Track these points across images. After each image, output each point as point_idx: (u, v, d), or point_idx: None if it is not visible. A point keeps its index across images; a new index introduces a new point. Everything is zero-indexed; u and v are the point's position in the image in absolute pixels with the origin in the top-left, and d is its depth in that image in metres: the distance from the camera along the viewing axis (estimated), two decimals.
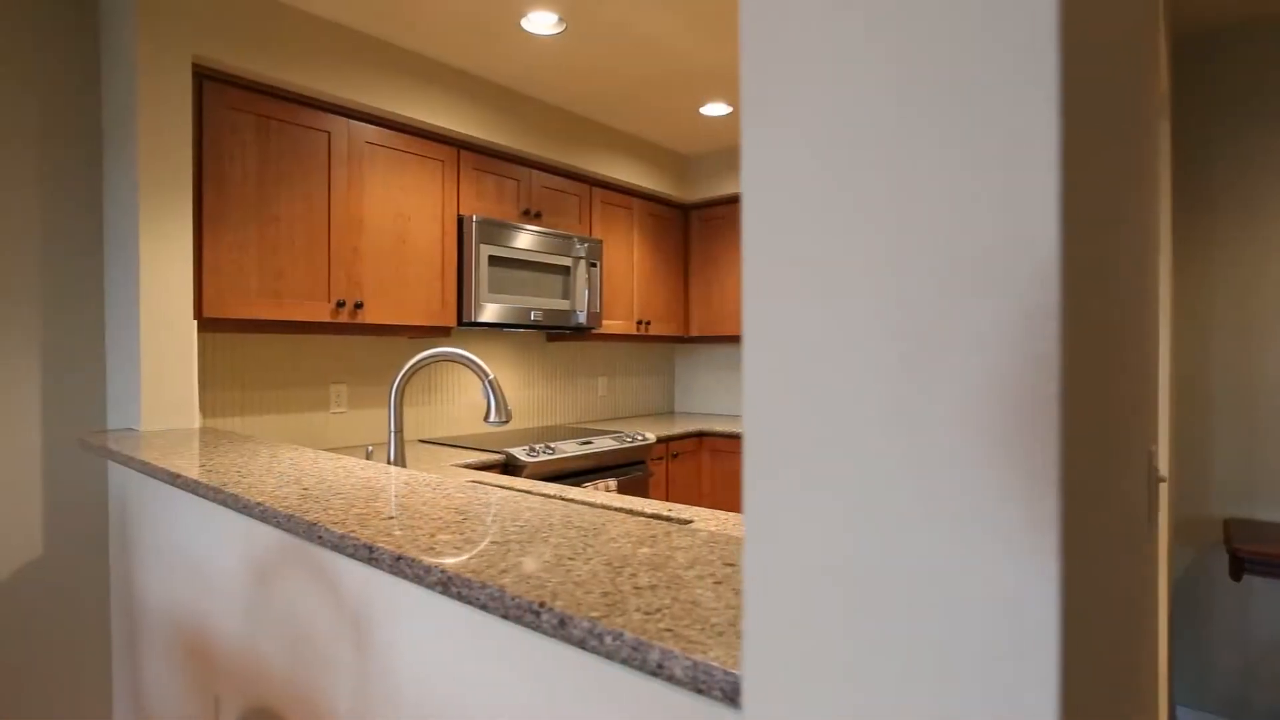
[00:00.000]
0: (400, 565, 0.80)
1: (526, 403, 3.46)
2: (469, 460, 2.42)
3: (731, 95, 3.05)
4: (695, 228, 4.00)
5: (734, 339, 3.86)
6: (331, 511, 1.01)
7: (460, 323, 2.81)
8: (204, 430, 2.04)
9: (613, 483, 2.88)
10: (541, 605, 0.65)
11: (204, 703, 1.64)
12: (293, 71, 2.27)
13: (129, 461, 1.51)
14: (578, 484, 2.75)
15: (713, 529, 1.06)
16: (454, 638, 0.91)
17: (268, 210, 2.26)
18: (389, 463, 1.52)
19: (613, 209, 3.53)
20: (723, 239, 3.88)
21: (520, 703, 0.83)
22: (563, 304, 3.11)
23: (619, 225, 3.57)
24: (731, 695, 0.52)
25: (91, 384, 2.17)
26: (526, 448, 2.61)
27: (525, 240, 2.94)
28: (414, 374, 1.48)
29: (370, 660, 1.08)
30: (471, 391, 3.22)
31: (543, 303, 3.01)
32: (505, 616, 0.68)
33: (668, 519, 1.23)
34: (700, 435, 3.52)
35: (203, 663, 1.63)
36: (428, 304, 2.71)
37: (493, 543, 0.85)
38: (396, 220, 2.60)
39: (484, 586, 0.70)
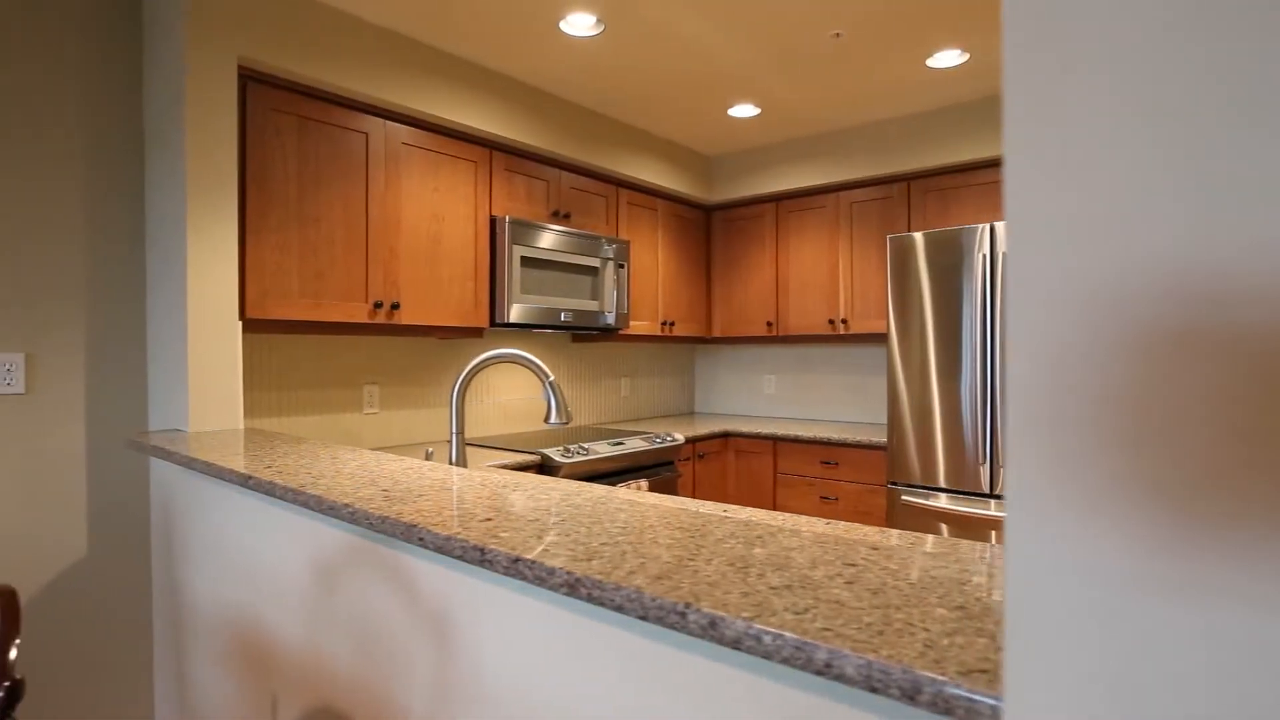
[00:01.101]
0: (519, 567, 0.80)
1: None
2: (504, 461, 2.42)
3: (759, 96, 3.05)
4: (717, 229, 4.00)
5: (755, 339, 3.87)
6: (424, 513, 1.02)
7: (492, 323, 2.81)
8: (251, 431, 2.04)
9: (644, 483, 2.88)
10: (688, 605, 0.66)
11: (260, 703, 1.64)
12: (334, 72, 2.27)
13: (190, 463, 1.51)
14: (611, 485, 2.75)
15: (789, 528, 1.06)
16: (553, 639, 0.91)
17: (308, 211, 2.26)
18: (450, 463, 1.52)
19: (638, 210, 3.54)
20: (745, 240, 3.89)
21: (629, 705, 0.83)
22: (591, 305, 3.11)
23: (644, 226, 3.58)
24: (911, 694, 0.53)
25: (133, 385, 2.17)
26: (561, 449, 2.61)
27: (555, 241, 2.94)
28: (475, 375, 1.48)
29: (451, 661, 1.08)
30: (500, 393, 3.22)
31: (572, 303, 3.02)
32: (644, 618, 0.69)
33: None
34: (725, 436, 3.53)
35: (259, 663, 1.63)
36: (461, 304, 2.71)
37: (603, 544, 0.85)
38: (431, 221, 2.61)
39: (619, 588, 0.71)
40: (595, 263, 3.13)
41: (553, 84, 2.91)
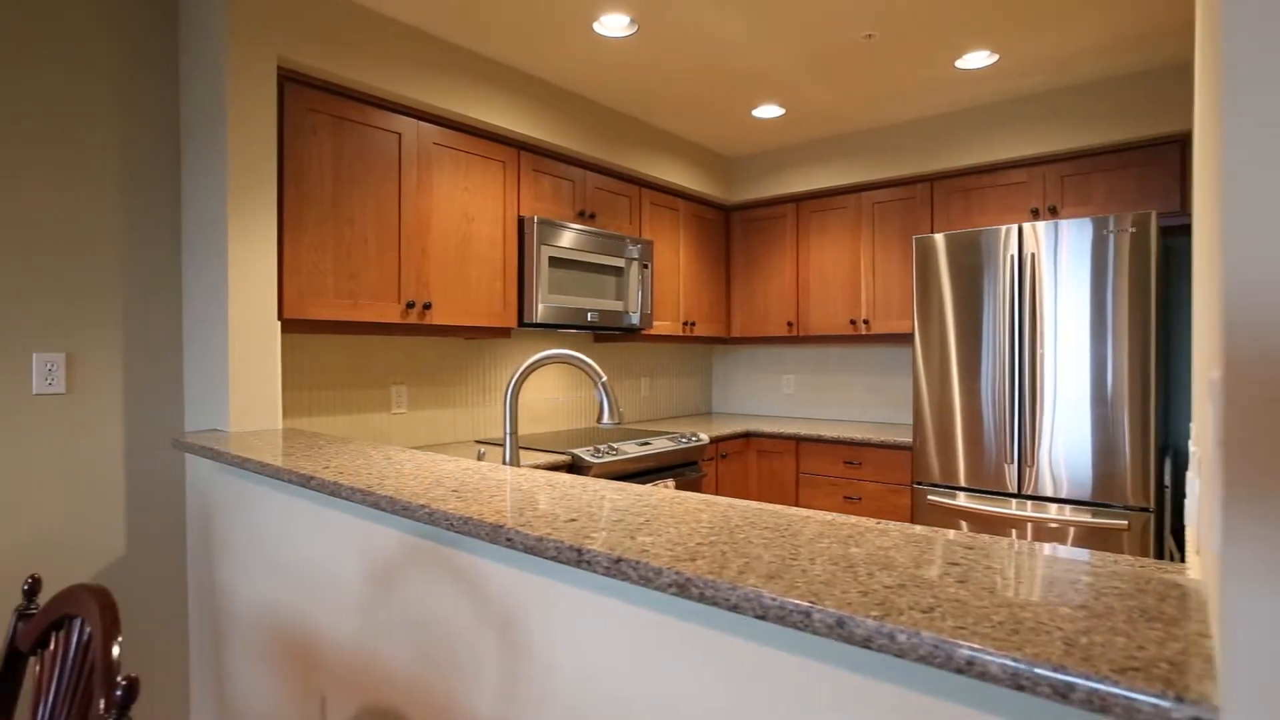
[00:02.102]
0: (621, 568, 0.81)
1: (574, 403, 3.47)
2: (536, 461, 2.42)
3: (785, 97, 3.06)
4: (737, 229, 4.01)
5: (774, 340, 3.88)
6: (505, 514, 1.02)
7: (520, 323, 2.81)
8: (292, 431, 2.05)
9: (670, 483, 2.89)
10: (812, 605, 0.66)
11: (307, 702, 1.64)
12: (369, 73, 2.27)
13: (243, 463, 1.52)
14: (640, 484, 2.75)
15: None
16: (645, 640, 0.92)
17: (343, 211, 2.26)
18: (504, 463, 1.53)
19: (660, 210, 3.54)
20: (765, 240, 3.89)
21: (727, 706, 0.84)
22: (616, 305, 3.12)
23: (666, 226, 3.58)
24: (1064, 693, 0.53)
25: (169, 385, 2.17)
26: (591, 449, 2.61)
27: (581, 241, 2.95)
28: (527, 376, 1.48)
29: (523, 662, 1.09)
30: (526, 393, 3.22)
31: (597, 303, 3.02)
32: (762, 617, 0.69)
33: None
34: (747, 435, 3.53)
35: (306, 663, 1.63)
36: (490, 304, 2.71)
37: (699, 544, 0.86)
38: (461, 221, 2.61)
39: (734, 588, 0.71)
40: (620, 263, 3.13)
41: (581, 85, 2.92)
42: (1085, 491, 2.57)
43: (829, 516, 0.98)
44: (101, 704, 0.77)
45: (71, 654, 0.93)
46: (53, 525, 1.95)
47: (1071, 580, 0.73)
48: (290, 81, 2.14)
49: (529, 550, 0.91)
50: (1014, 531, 2.73)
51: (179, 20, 2.17)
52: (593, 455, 2.55)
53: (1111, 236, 2.50)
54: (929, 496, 2.92)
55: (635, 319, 3.21)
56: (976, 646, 0.57)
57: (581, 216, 3.09)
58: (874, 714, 0.72)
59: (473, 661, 1.18)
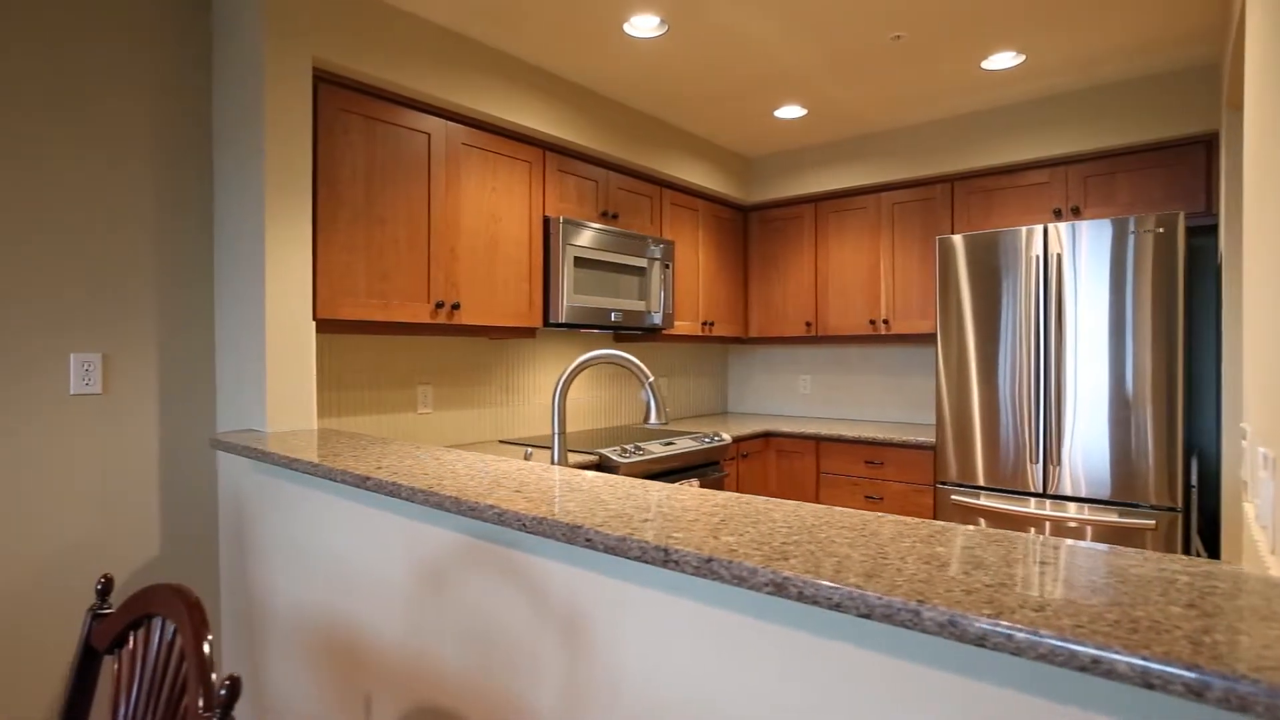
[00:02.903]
0: (712, 567, 0.81)
1: (594, 403, 3.47)
2: (569, 461, 2.42)
3: (809, 97, 3.06)
4: (754, 229, 4.02)
5: (791, 339, 3.89)
6: (575, 514, 1.02)
7: (545, 323, 2.82)
8: (329, 431, 2.05)
9: (695, 482, 2.89)
10: (921, 603, 0.67)
11: (351, 702, 1.65)
12: (401, 73, 2.28)
13: (292, 463, 1.52)
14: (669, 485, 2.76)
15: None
16: (715, 640, 0.92)
17: (374, 211, 2.27)
18: (553, 463, 1.53)
19: (680, 210, 3.55)
20: (781, 241, 3.90)
21: (802, 705, 0.84)
22: (639, 305, 3.12)
23: (686, 227, 3.59)
24: (1199, 691, 0.54)
25: (202, 385, 2.17)
26: (618, 449, 2.62)
27: (605, 241, 2.95)
28: (576, 375, 1.48)
29: (587, 661, 1.09)
30: (545, 392, 3.23)
31: (621, 303, 3.03)
32: (866, 616, 0.70)
33: None
34: (767, 435, 3.54)
35: (350, 663, 1.63)
36: (516, 304, 2.72)
37: (784, 543, 0.86)
38: (489, 221, 2.61)
39: (835, 587, 0.72)
40: (643, 263, 3.14)
41: (607, 85, 2.92)
42: (1110, 491, 2.57)
43: (898, 516, 0.98)
44: (201, 702, 0.77)
45: (154, 653, 0.93)
46: (90, 526, 1.95)
47: (1168, 580, 0.73)
48: (323, 81, 2.14)
49: (610, 550, 0.91)
50: (1033, 530, 2.74)
51: (211, 21, 2.17)
52: (620, 455, 2.56)
53: (1137, 237, 2.51)
54: (952, 496, 2.92)
55: (658, 319, 3.21)
56: (1102, 645, 0.58)
57: (604, 217, 3.09)
58: (982, 715, 0.73)
59: (532, 662, 1.19)
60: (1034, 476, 2.74)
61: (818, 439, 3.39)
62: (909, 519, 1.00)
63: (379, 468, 1.40)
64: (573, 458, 2.50)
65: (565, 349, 3.33)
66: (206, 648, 0.83)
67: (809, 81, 2.88)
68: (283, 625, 1.87)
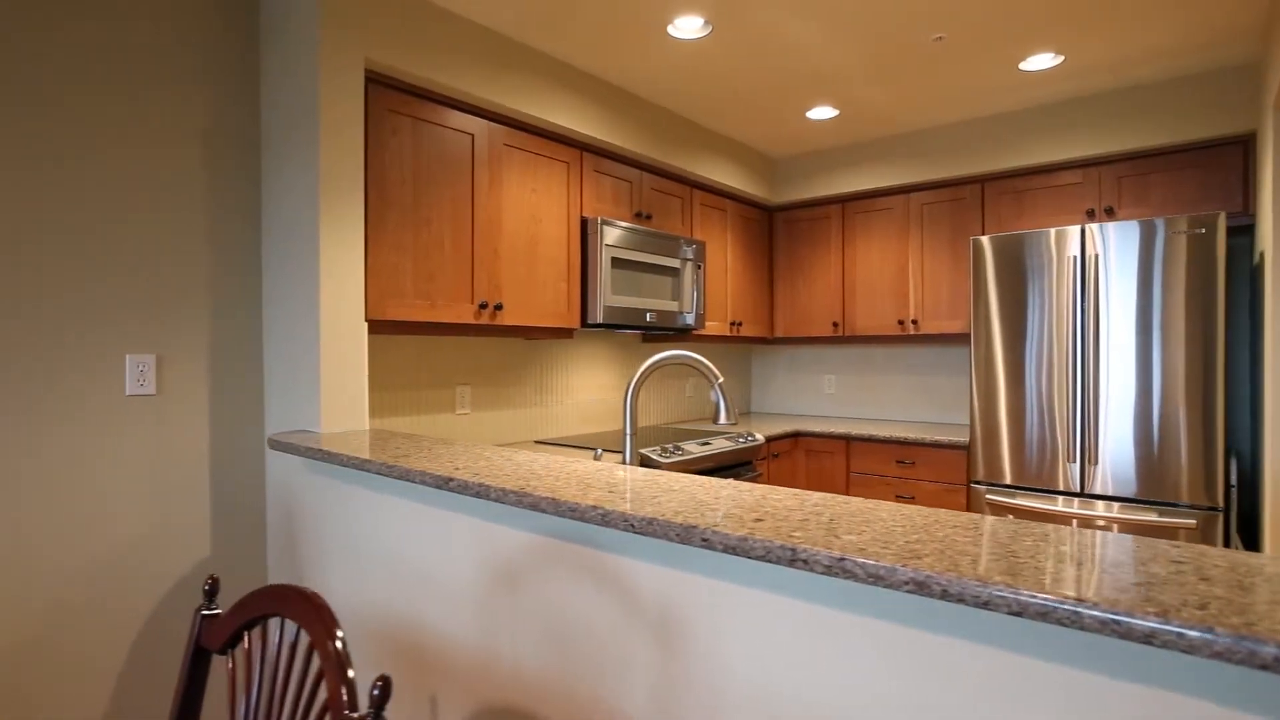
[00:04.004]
0: (845, 566, 0.82)
1: (621, 404, 3.47)
2: (609, 462, 2.43)
3: (843, 98, 3.07)
4: (780, 230, 4.02)
5: (816, 340, 3.89)
6: (684, 514, 1.03)
7: (583, 324, 2.82)
8: (384, 432, 2.05)
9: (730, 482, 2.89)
10: (1080, 601, 0.67)
11: (416, 703, 1.65)
12: (448, 74, 2.28)
13: (364, 465, 1.52)
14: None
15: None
16: (831, 640, 0.93)
17: (421, 212, 2.27)
18: (625, 463, 1.54)
19: (709, 211, 3.55)
20: (807, 242, 3.91)
21: (943, 703, 0.85)
22: (671, 305, 3.13)
23: (714, 227, 3.59)
24: None
25: (251, 385, 2.17)
26: (658, 449, 2.62)
27: (640, 241, 2.96)
28: (648, 375, 1.47)
29: (680, 662, 1.10)
30: (577, 393, 3.23)
31: (655, 304, 3.03)
32: (1019, 614, 0.70)
33: None
34: (796, 435, 3.55)
35: (415, 663, 1.64)
36: (555, 305, 2.72)
37: (909, 543, 0.87)
38: (529, 222, 2.62)
39: (983, 585, 0.72)
40: (676, 263, 3.14)
41: (645, 87, 2.93)
42: (1148, 490, 2.58)
43: (1007, 517, 0.99)
44: (345, 698, 0.78)
45: (274, 652, 0.93)
46: (144, 526, 1.95)
47: None
48: (371, 82, 2.14)
49: (730, 550, 0.91)
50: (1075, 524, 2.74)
51: (259, 20, 2.17)
52: (661, 455, 2.56)
53: (1179, 237, 2.52)
54: (987, 495, 2.93)
55: (690, 319, 3.22)
56: None
57: (638, 217, 3.10)
58: (1158, 716, 0.73)
59: (621, 662, 1.19)
60: (1071, 475, 2.74)
61: (848, 438, 3.40)
62: (1016, 520, 1.01)
63: (457, 469, 1.41)
64: (613, 458, 2.50)
65: (597, 350, 3.34)
66: (341, 646, 0.84)
67: (844, 82, 2.89)
68: (343, 626, 1.87)
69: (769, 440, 3.33)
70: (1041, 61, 2.67)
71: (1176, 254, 2.52)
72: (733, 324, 3.70)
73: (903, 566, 0.78)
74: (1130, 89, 2.94)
